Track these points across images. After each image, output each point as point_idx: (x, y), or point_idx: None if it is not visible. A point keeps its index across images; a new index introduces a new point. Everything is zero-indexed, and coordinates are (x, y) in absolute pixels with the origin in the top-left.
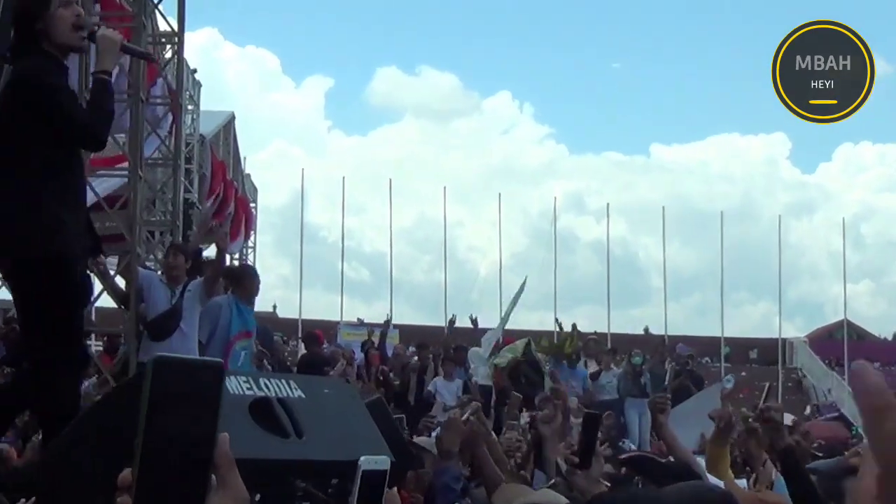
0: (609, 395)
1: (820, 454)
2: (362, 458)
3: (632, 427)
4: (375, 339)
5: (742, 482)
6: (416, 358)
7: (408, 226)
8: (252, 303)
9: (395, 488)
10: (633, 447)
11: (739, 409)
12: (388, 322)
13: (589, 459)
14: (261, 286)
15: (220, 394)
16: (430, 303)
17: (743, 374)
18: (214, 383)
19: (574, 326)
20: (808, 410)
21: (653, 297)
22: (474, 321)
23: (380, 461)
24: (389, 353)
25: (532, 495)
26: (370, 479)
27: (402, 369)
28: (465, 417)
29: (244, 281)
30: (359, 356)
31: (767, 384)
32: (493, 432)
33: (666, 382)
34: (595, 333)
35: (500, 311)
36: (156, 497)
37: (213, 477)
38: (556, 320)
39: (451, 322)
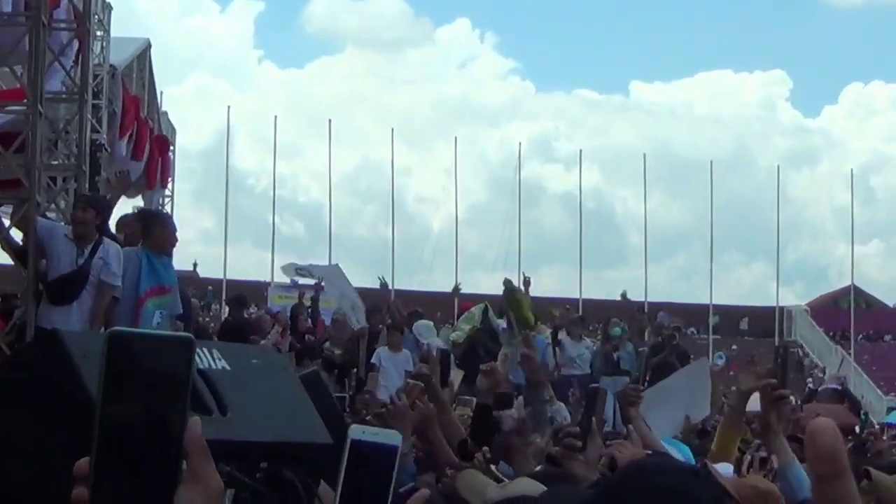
0: (579, 369)
1: None
2: (352, 427)
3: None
4: (308, 303)
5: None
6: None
7: (349, 173)
8: (167, 253)
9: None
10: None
11: (730, 387)
12: (319, 284)
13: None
14: (178, 242)
15: (191, 373)
16: (374, 262)
17: (734, 347)
18: (183, 360)
19: (527, 282)
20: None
21: (631, 257)
22: (383, 284)
23: (382, 435)
24: (327, 320)
25: (509, 486)
26: (367, 455)
27: (347, 340)
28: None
29: (152, 230)
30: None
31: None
32: (449, 405)
33: (645, 357)
34: (567, 307)
35: (456, 274)
36: (116, 490)
37: (184, 467)
38: (524, 278)
39: (383, 285)
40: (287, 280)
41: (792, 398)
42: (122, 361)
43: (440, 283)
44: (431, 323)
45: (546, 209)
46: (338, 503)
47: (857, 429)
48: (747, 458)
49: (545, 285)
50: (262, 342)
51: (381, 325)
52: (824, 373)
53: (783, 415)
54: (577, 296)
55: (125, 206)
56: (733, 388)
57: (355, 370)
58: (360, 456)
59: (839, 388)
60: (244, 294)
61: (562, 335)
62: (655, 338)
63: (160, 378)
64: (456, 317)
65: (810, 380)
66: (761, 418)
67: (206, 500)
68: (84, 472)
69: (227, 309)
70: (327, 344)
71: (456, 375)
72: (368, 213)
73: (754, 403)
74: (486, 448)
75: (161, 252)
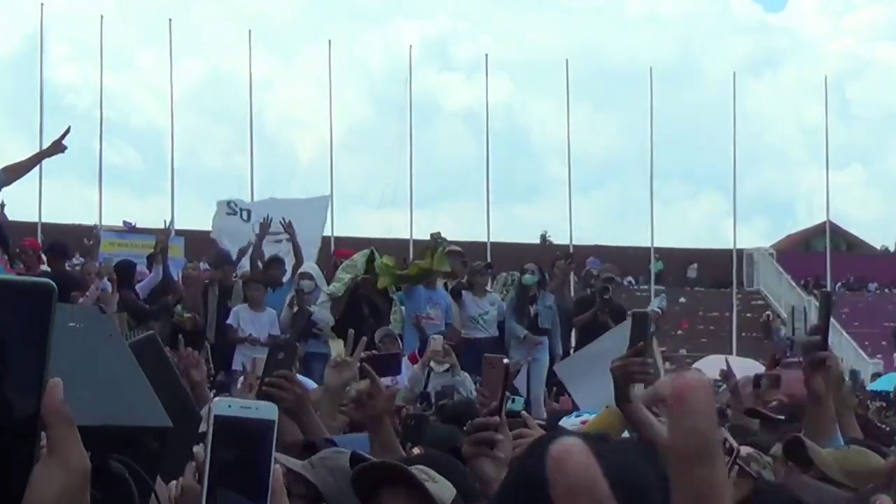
0: (484, 331)
1: (781, 417)
2: (215, 401)
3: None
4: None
5: None
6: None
7: (195, 88)
8: None
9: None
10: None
11: (678, 350)
12: (265, 224)
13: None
14: None
15: (50, 326)
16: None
17: (682, 300)
18: (41, 311)
19: (437, 237)
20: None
21: (552, 190)
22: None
23: (255, 408)
24: (174, 273)
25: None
26: (237, 432)
27: (199, 297)
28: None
29: None
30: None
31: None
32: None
33: (570, 315)
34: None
35: (332, 215)
36: None
37: (43, 438)
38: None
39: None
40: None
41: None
42: None
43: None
44: (315, 268)
45: (444, 131)
46: (204, 495)
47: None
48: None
49: (444, 227)
50: (81, 300)
51: (235, 277)
52: (793, 332)
53: (830, 381)
54: (483, 238)
55: None
56: (682, 351)
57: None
58: (229, 435)
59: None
60: (64, 241)
61: (466, 293)
62: (583, 290)
63: (13, 331)
64: (332, 267)
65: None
66: (809, 390)
67: (66, 478)
68: None
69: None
70: (178, 307)
71: (335, 346)
72: (220, 139)
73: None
74: None
75: None
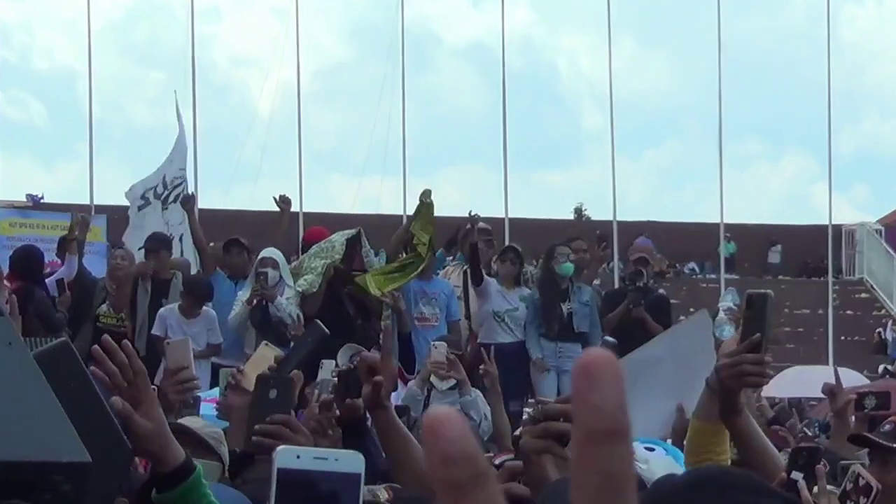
0: (510, 334)
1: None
2: (279, 450)
3: (544, 391)
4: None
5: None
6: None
7: (118, 21)
8: None
9: None
10: None
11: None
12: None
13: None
14: None
15: None
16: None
17: (749, 291)
18: None
19: (426, 198)
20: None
21: (588, 150)
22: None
23: (334, 458)
24: (95, 265)
25: None
26: (309, 489)
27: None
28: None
29: None
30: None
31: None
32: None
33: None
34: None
35: (301, 183)
36: None
37: None
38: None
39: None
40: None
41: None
42: None
43: (271, 196)
44: (280, 255)
45: (446, 73)
46: None
47: None
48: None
49: (447, 197)
50: None
51: (172, 271)
52: None
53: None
54: (500, 213)
55: None
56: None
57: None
58: (299, 494)
59: None
60: None
61: (493, 283)
62: (627, 281)
63: None
64: (300, 250)
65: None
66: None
67: None
68: None
69: None
70: (104, 306)
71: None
72: (152, 86)
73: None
74: None
75: None
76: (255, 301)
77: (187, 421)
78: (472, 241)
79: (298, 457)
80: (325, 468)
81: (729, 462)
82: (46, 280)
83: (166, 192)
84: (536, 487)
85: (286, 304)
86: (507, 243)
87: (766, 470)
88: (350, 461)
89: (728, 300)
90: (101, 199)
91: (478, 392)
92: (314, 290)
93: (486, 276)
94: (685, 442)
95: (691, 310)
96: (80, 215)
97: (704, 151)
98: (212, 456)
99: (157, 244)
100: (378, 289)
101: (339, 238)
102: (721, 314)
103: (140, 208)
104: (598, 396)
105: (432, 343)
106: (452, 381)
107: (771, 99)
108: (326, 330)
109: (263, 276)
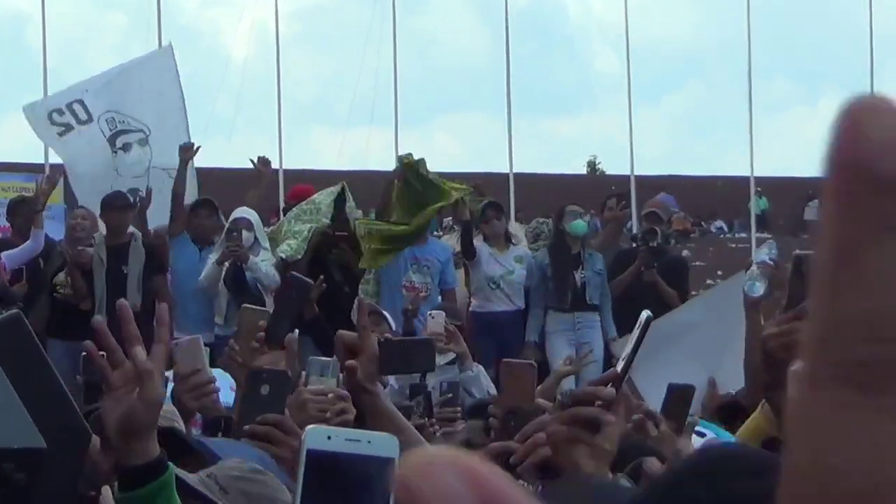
0: (506, 301)
1: None
2: (308, 429)
3: (553, 365)
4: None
5: None
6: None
7: None
8: None
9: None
10: None
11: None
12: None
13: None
14: None
15: None
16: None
17: (795, 252)
18: None
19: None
20: None
21: (602, 97)
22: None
23: (366, 440)
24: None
25: None
26: (341, 472)
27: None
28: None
29: None
30: (33, 246)
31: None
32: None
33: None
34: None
35: (280, 137)
36: None
37: None
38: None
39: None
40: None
41: None
42: None
43: (247, 152)
44: (255, 216)
45: (441, 12)
46: None
47: None
48: None
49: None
50: None
51: (130, 232)
52: None
53: None
54: (504, 168)
55: None
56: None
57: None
58: (328, 477)
59: None
60: None
61: (477, 241)
62: (643, 238)
63: None
64: (282, 211)
65: None
66: None
67: None
68: None
69: None
70: (61, 274)
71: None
72: (113, 29)
73: None
74: None
75: None
76: (226, 263)
77: None
78: (464, 218)
79: (329, 438)
80: (357, 451)
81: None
82: (4, 253)
83: (112, 132)
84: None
85: (263, 264)
86: (512, 200)
87: None
88: (384, 444)
89: (764, 254)
90: (56, 158)
91: (480, 367)
92: (298, 256)
93: (476, 245)
94: (742, 429)
95: (719, 273)
96: (45, 180)
97: (732, 96)
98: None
99: (118, 204)
100: (369, 262)
101: (324, 199)
102: (753, 268)
103: (61, 134)
104: (879, 129)
105: (429, 313)
106: (451, 355)
107: (805, 37)
108: (309, 280)
109: (237, 233)
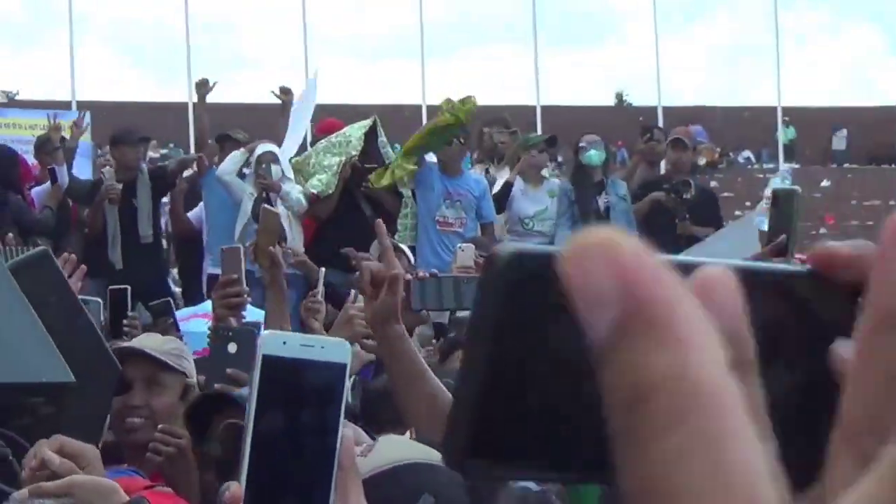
0: (540, 238)
1: None
2: (264, 335)
3: None
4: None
5: None
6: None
7: None
8: None
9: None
10: None
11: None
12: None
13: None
14: None
15: None
16: (142, 58)
17: (824, 183)
18: None
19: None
20: None
21: (629, 27)
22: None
23: (320, 346)
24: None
25: (374, 453)
26: (293, 379)
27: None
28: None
29: None
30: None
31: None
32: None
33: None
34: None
35: (306, 69)
36: None
37: None
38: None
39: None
40: None
41: None
42: None
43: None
44: (278, 149)
45: None
46: (245, 467)
47: None
48: None
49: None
50: None
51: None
52: None
53: None
54: (531, 100)
55: None
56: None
57: None
58: (282, 384)
59: None
60: None
61: (511, 176)
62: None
63: None
64: (309, 145)
65: None
66: None
67: None
68: None
69: None
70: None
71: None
72: None
73: None
74: None
75: None
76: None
77: (143, 339)
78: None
79: (285, 343)
80: (311, 356)
81: None
82: (34, 190)
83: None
84: None
85: (293, 191)
86: (539, 133)
87: None
88: (337, 350)
89: (777, 180)
90: (83, 95)
91: None
92: (330, 191)
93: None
94: None
95: (747, 204)
96: (74, 125)
97: (756, 25)
98: (173, 372)
99: (128, 139)
100: (397, 171)
101: (355, 131)
102: (763, 202)
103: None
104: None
105: (459, 246)
106: None
107: None
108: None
109: (266, 168)
